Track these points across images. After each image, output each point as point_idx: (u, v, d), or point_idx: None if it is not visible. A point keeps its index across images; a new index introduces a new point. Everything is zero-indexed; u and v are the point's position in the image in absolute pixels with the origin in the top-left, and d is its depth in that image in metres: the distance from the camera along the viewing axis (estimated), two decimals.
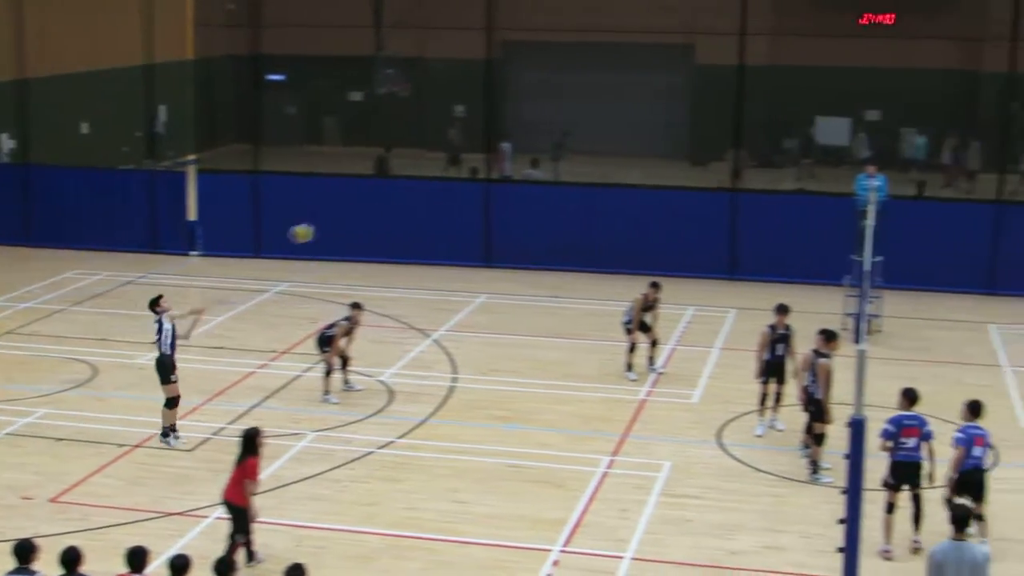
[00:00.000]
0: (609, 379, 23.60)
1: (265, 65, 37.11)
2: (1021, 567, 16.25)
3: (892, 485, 16.54)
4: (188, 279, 31.41)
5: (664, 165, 38.91)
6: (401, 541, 16.69)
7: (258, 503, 15.87)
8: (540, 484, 18.59)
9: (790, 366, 20.56)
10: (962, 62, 40.22)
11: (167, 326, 19.62)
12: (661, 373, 23.87)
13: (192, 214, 33.99)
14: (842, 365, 18.88)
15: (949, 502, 15.50)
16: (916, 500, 16.61)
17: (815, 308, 26.79)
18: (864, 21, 40.49)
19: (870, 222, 22.61)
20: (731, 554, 16.49)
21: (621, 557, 16.32)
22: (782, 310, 20.77)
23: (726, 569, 16.07)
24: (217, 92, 44.14)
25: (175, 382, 19.64)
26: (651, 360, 23.91)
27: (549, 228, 32.05)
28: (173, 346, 19.67)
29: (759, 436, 20.55)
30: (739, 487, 18.66)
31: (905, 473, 16.49)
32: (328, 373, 22.03)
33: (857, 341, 14.42)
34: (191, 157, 42.06)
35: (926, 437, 16.48)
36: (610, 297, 28.90)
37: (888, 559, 16.35)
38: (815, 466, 18.87)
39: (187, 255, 33.56)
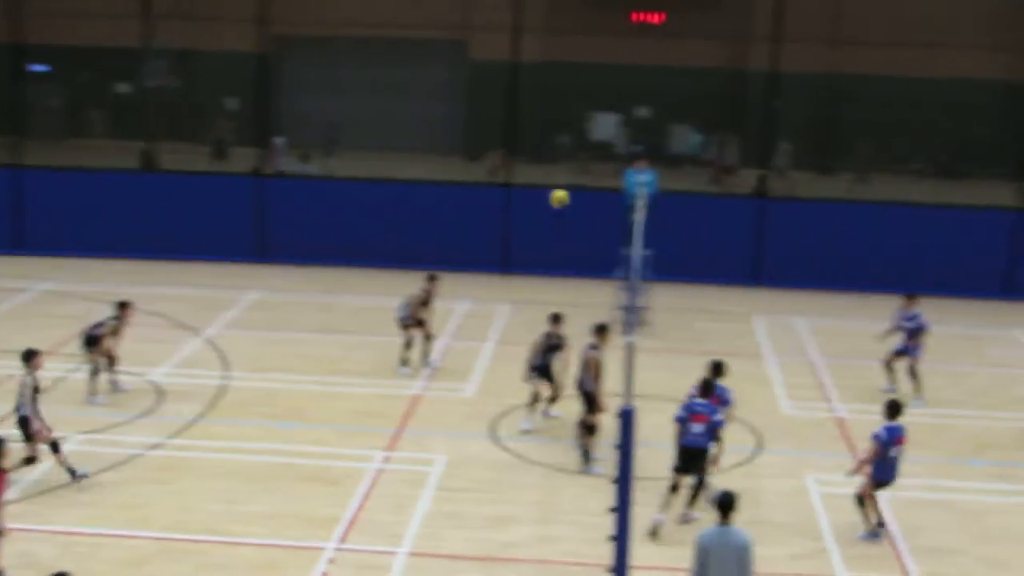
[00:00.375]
0: (383, 374, 23.57)
1: (27, 55, 35.88)
2: (781, 550, 16.77)
3: (679, 468, 17.13)
4: None
5: (439, 160, 38.98)
6: (172, 544, 16.35)
7: (6, 519, 14.86)
8: (313, 482, 18.46)
9: (556, 366, 20.79)
10: (728, 61, 41.28)
11: None
12: (436, 367, 23.93)
13: None
14: (612, 357, 19.21)
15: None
16: (700, 482, 17.26)
17: (587, 301, 27.25)
18: (634, 20, 41.20)
19: (639, 216, 23.04)
20: (505, 546, 16.64)
21: (396, 552, 16.31)
22: (556, 319, 21.01)
23: (501, 561, 16.21)
24: None
25: None
26: (425, 355, 23.96)
27: (323, 223, 31.85)
28: None
29: (526, 431, 20.71)
30: (513, 479, 18.85)
31: (690, 458, 17.08)
32: (95, 374, 21.47)
33: (627, 333, 14.69)
34: None
35: (715, 425, 17.11)
36: (384, 292, 28.86)
37: (657, 527, 16.91)
38: (587, 456, 19.18)
39: None
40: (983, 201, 32.55)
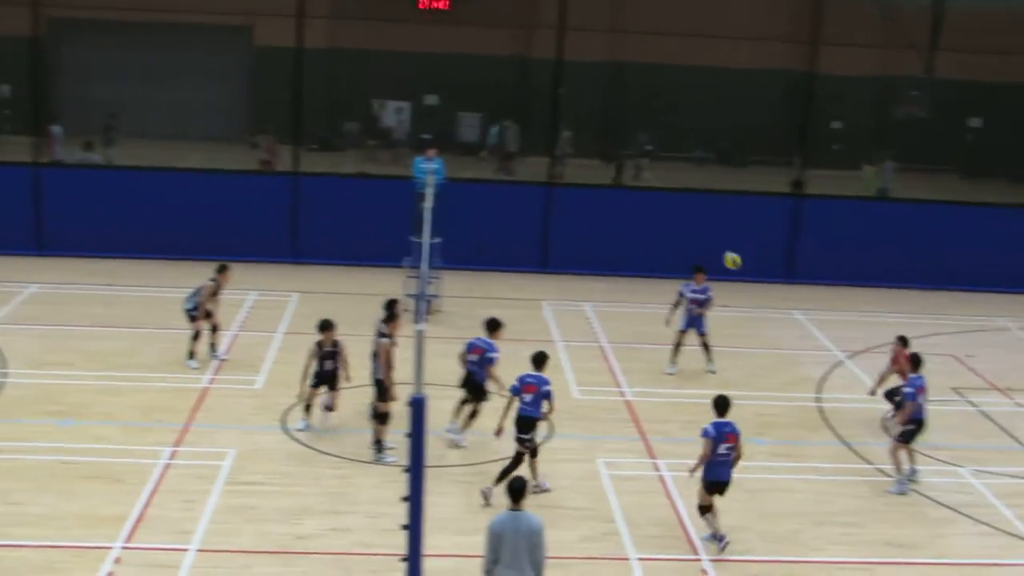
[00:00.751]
0: (170, 368, 23.09)
1: None
2: (572, 533, 17.00)
3: (518, 438, 17.85)
4: None
5: (225, 148, 38.32)
6: None
7: None
8: (97, 480, 17.97)
9: (342, 372, 20.64)
10: (514, 49, 41.53)
11: None
12: (224, 360, 23.56)
13: None
14: (404, 345, 19.19)
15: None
16: (533, 452, 18.00)
17: (377, 290, 27.12)
18: (422, 6, 41.11)
19: (428, 204, 23.05)
20: (298, 538, 16.49)
21: (186, 549, 16.02)
22: (325, 327, 20.62)
23: (293, 554, 16.07)
24: None
25: None
26: (213, 347, 23.57)
27: (104, 214, 31.05)
28: None
29: (300, 431, 20.41)
30: (304, 471, 18.69)
31: (523, 426, 17.79)
32: None
33: (417, 321, 14.66)
34: None
35: (544, 395, 17.88)
36: (169, 284, 28.34)
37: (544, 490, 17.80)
38: (379, 446, 19.12)
39: None
40: (762, 188, 33.50)
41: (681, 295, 24.02)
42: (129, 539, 16.23)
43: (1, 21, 35.59)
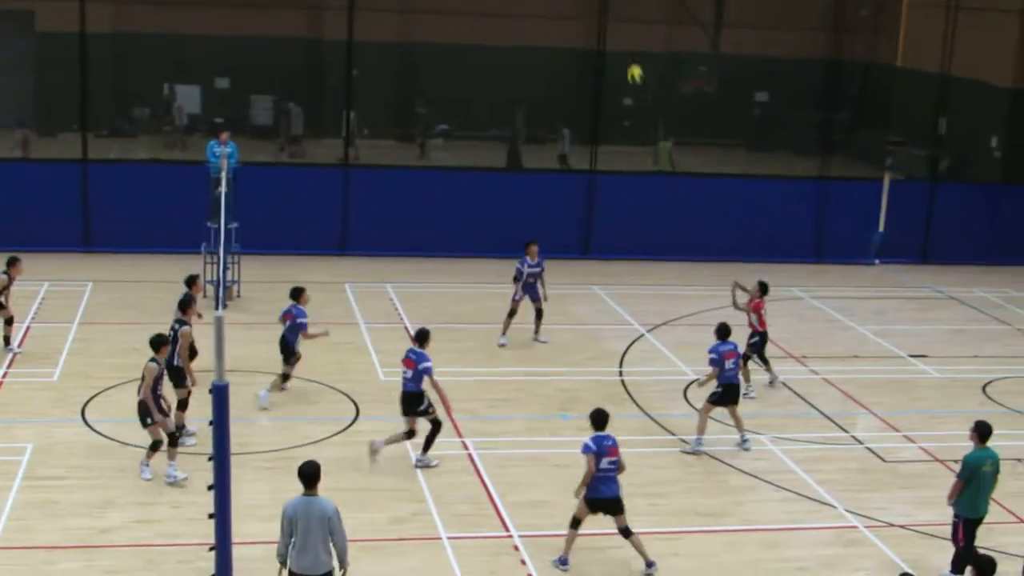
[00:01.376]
0: None
1: None
2: (382, 515, 17.05)
3: (415, 414, 18.63)
4: None
5: (9, 136, 37.20)
6: None
7: None
8: None
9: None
10: (306, 30, 41.20)
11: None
12: (18, 353, 22.93)
13: None
14: (204, 332, 18.96)
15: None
16: (434, 425, 18.60)
17: (174, 277, 26.66)
18: None
19: (224, 189, 22.79)
20: (101, 532, 16.20)
21: None
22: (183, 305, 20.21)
23: (97, 548, 15.77)
24: None
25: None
26: (6, 340, 22.92)
27: None
28: None
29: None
30: (107, 463, 18.33)
31: (405, 401, 18.64)
32: None
33: (217, 307, 14.54)
34: None
35: (424, 372, 18.43)
36: None
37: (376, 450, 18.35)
38: (180, 431, 18.82)
39: None
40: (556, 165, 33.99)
41: (520, 271, 24.54)
42: None
43: None
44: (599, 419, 16.14)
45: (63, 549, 15.72)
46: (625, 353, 24.86)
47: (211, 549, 13.05)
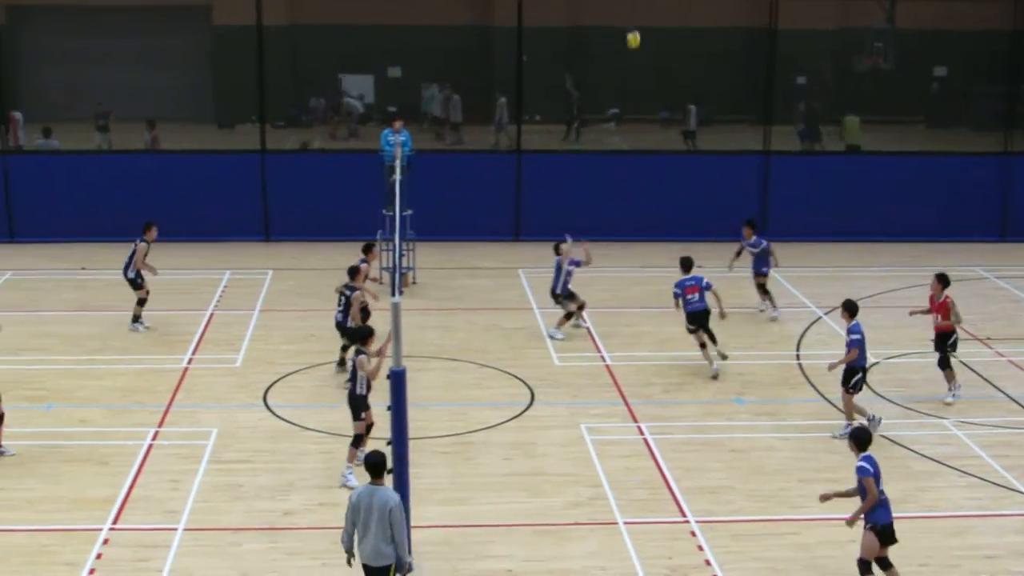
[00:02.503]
0: (146, 349, 23.08)
1: None
2: (559, 499, 17.08)
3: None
4: None
5: (191, 130, 38.12)
6: None
7: None
8: (82, 463, 17.98)
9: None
10: (474, 17, 41.40)
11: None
12: (146, 328, 23.98)
13: None
14: (382, 318, 19.18)
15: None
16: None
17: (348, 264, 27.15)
18: None
19: (398, 176, 23.01)
20: (285, 514, 16.52)
21: (174, 529, 16.05)
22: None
23: (281, 530, 16.09)
24: None
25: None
26: (135, 318, 23.99)
27: (73, 199, 30.90)
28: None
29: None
30: (288, 447, 18.69)
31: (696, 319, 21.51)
32: None
33: (393, 294, 14.67)
34: None
35: (708, 286, 21.81)
36: None
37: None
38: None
39: None
40: (737, 147, 33.67)
41: (743, 246, 25.34)
42: (117, 520, 16.25)
43: None
44: (864, 438, 14.72)
45: (248, 531, 16.09)
46: (802, 336, 24.48)
47: None
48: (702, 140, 36.23)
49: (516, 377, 21.70)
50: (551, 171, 32.20)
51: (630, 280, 28.05)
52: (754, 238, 25.29)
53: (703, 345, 21.98)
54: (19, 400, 20.29)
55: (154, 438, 18.93)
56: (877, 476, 14.34)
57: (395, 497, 13.16)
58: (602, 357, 22.96)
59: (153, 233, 24.20)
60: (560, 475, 17.82)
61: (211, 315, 25.24)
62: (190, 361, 22.53)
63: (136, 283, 23.85)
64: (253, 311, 25.59)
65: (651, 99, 40.12)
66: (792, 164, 32.80)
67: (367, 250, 22.45)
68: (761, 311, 25.45)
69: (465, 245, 30.77)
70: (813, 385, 21.66)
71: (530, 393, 21.04)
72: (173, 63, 42.44)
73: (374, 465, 13.18)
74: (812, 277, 28.86)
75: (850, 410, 19.38)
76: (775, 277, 26.56)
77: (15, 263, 28.90)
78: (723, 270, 25.33)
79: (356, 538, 13.19)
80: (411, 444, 13.23)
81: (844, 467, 18.23)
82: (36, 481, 17.34)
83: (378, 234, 26.99)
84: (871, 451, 14.63)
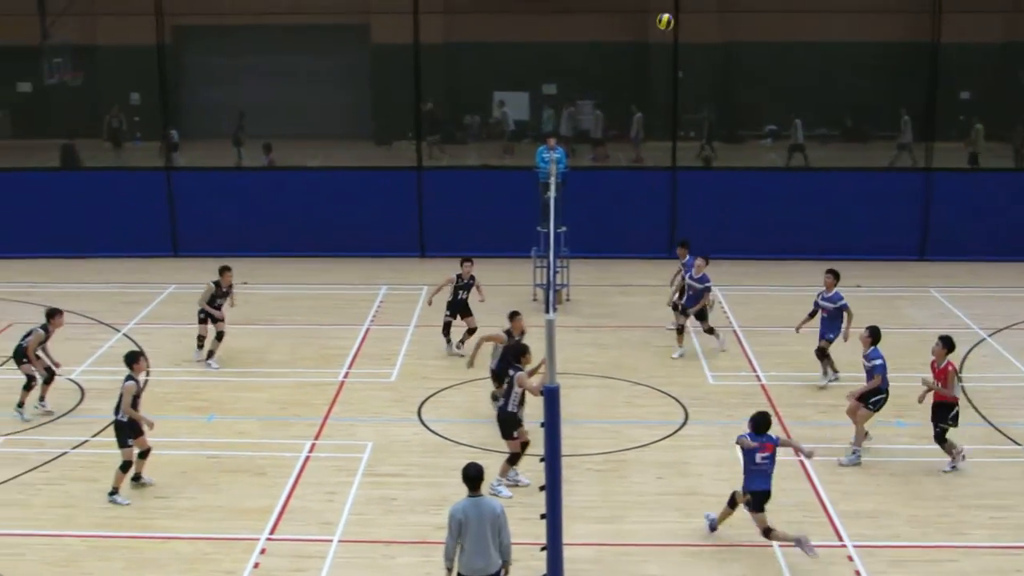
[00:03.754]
0: (303, 363, 23.46)
1: None
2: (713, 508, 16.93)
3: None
4: None
5: (348, 146, 38.73)
6: (102, 542, 16.22)
7: None
8: (241, 473, 18.34)
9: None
10: (629, 34, 41.37)
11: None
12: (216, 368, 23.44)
13: None
14: (534, 336, 19.24)
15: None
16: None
17: (504, 280, 27.28)
18: None
19: (553, 193, 23.07)
20: (438, 529, 16.57)
21: (329, 540, 16.28)
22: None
23: (434, 544, 16.16)
24: None
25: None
26: (211, 354, 23.47)
27: (236, 215, 31.64)
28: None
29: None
30: (441, 462, 18.81)
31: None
32: (27, 387, 20.52)
33: (547, 311, 14.71)
34: None
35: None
36: (300, 281, 28.98)
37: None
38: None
39: None
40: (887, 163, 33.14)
41: (816, 305, 22.53)
42: (274, 530, 16.54)
43: (129, 31, 36.37)
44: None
45: (401, 544, 16.24)
46: (965, 358, 23.87)
47: (543, 549, 13.23)
48: (855, 156, 35.68)
49: (669, 395, 21.58)
50: (706, 187, 31.98)
51: (788, 299, 27.68)
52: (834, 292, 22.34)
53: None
54: (183, 411, 20.82)
55: (311, 450, 19.23)
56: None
57: (500, 504, 13.48)
58: (757, 376, 22.71)
59: (228, 278, 23.53)
60: (714, 495, 17.63)
61: (367, 330, 25.58)
62: (346, 375, 22.84)
63: (201, 318, 23.46)
64: (408, 326, 25.86)
65: (807, 114, 39.65)
66: (954, 181, 32.08)
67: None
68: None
69: (619, 262, 30.72)
70: (976, 409, 21.12)
71: (684, 412, 20.91)
72: (332, 81, 43.21)
73: (473, 478, 13.44)
74: (975, 297, 28.18)
75: (860, 433, 18.94)
76: (936, 297, 26.01)
77: (178, 277, 29.60)
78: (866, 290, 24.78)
79: (458, 552, 13.32)
80: (564, 461, 13.20)
81: (1010, 493, 17.82)
82: (197, 490, 17.73)
83: (532, 251, 27.11)
84: None
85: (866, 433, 19.10)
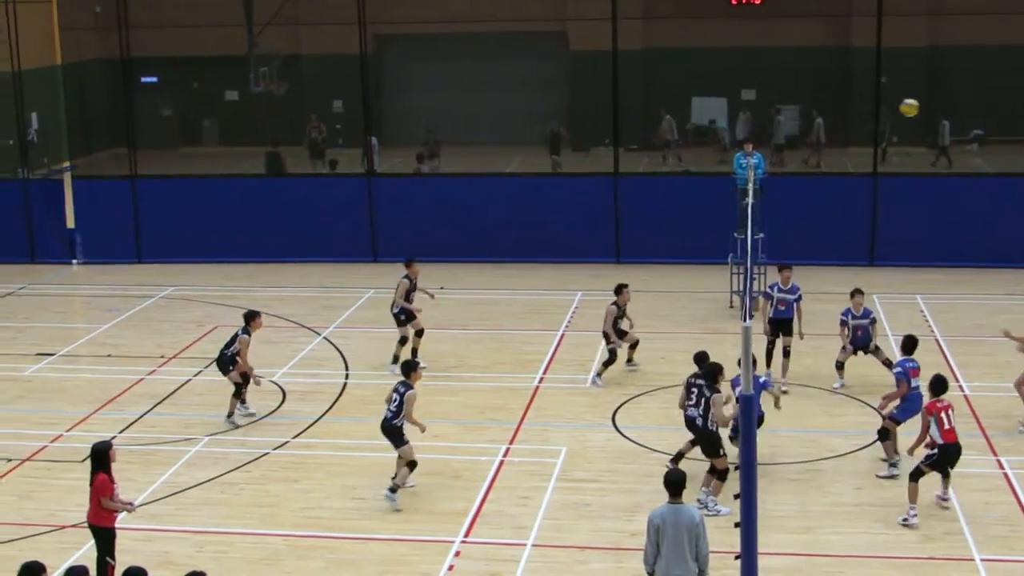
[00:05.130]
0: (499, 368, 23.68)
1: (137, 68, 36.49)
2: (914, 533, 16.54)
3: None
4: (71, 288, 31.00)
5: (545, 153, 38.96)
6: (302, 541, 16.61)
7: (121, 506, 15.09)
8: (438, 476, 18.59)
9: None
10: (831, 38, 40.79)
11: None
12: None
13: (71, 222, 33.48)
14: (730, 343, 19.10)
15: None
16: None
17: (701, 288, 27.13)
18: (734, 2, 40.86)
19: (750, 200, 22.85)
20: (631, 535, 16.61)
21: (523, 544, 16.40)
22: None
23: (627, 551, 16.19)
24: (89, 97, 43.34)
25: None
26: (395, 358, 23.40)
27: (432, 220, 32.07)
28: None
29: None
30: (635, 468, 18.80)
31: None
32: (236, 395, 21.01)
33: (744, 318, 14.59)
34: (66, 164, 41.28)
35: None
36: (497, 287, 29.28)
37: None
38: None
39: (68, 264, 33.06)
40: None
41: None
42: (468, 533, 16.73)
43: (333, 40, 37.23)
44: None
45: (594, 550, 16.27)
46: None
47: (736, 558, 13.11)
48: None
49: (868, 404, 21.17)
50: (912, 194, 31.27)
51: (994, 308, 26.96)
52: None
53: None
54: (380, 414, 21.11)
55: (505, 454, 19.40)
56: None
57: (699, 512, 13.36)
58: (960, 387, 22.10)
59: (416, 270, 23.84)
60: (919, 507, 17.27)
61: (562, 335, 25.69)
62: (541, 380, 22.98)
63: (399, 320, 23.78)
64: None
65: (1019, 119, 38.56)
66: None
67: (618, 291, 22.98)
68: None
69: (816, 269, 30.22)
70: None
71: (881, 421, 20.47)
72: (529, 88, 43.53)
73: (675, 484, 13.37)
74: None
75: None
76: None
77: (377, 282, 30.11)
78: None
79: (659, 560, 13.23)
80: (759, 470, 13.08)
81: None
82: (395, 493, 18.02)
83: (729, 257, 26.90)
84: None
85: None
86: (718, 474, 17.38)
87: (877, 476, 18.39)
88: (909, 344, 18.94)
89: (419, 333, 23.67)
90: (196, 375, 23.30)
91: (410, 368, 18.05)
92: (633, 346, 23.32)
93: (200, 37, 40.03)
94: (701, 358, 18.36)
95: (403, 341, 23.59)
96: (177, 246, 32.52)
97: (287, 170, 37.15)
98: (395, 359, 23.26)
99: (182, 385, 22.92)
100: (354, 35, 33.51)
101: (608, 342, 22.68)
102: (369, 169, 33.83)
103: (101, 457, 14.83)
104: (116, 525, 14.96)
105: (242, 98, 45.29)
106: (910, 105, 22.07)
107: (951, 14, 37.08)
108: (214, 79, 45.68)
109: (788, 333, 22.26)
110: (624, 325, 23.09)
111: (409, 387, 17.74)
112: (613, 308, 22.78)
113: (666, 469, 15.60)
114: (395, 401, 17.67)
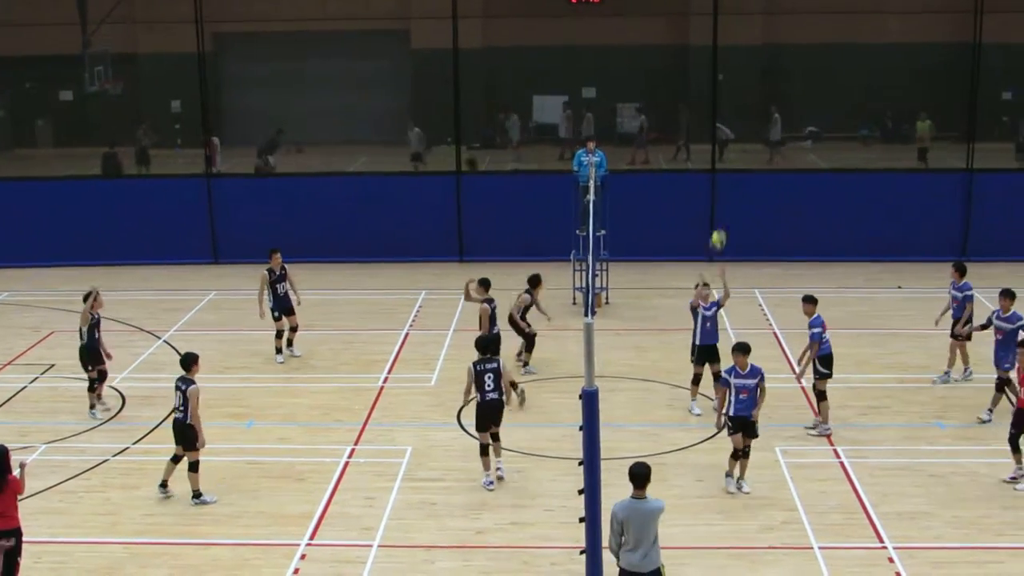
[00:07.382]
0: (344, 368, 23.53)
1: None
2: (753, 523, 16.84)
3: None
4: None
5: (388, 152, 38.80)
6: (144, 548, 16.32)
7: None
8: (281, 479, 18.42)
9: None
10: (670, 37, 41.26)
11: None
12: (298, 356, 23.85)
13: None
14: (574, 338, 19.25)
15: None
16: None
17: (545, 285, 27.23)
18: (574, 0, 41.13)
19: (592, 197, 23.04)
20: (477, 533, 16.65)
21: (369, 545, 16.32)
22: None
23: (473, 548, 16.22)
24: None
25: None
26: (278, 350, 24.01)
27: (274, 221, 31.70)
28: None
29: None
30: (481, 466, 18.79)
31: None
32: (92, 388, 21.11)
33: (586, 314, 14.70)
34: None
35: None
36: (336, 286, 29.20)
37: None
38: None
39: None
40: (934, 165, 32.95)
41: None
42: (314, 536, 16.60)
43: (171, 39, 36.61)
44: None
45: (441, 549, 16.25)
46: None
47: (582, 552, 13.23)
48: (901, 157, 35.50)
49: (709, 398, 21.47)
50: (746, 190, 31.88)
51: (827, 301, 27.47)
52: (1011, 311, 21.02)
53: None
54: (223, 417, 20.91)
55: (350, 455, 19.29)
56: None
57: (662, 502, 13.51)
58: (797, 379, 22.51)
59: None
60: (754, 498, 17.59)
61: (406, 335, 25.63)
62: (386, 380, 22.89)
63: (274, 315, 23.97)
64: (448, 331, 25.89)
65: (847, 116, 39.44)
66: (1000, 182, 31.87)
67: (534, 283, 23.15)
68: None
69: (658, 265, 30.64)
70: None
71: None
72: (372, 86, 43.29)
73: (641, 476, 13.36)
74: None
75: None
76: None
77: (218, 284, 29.74)
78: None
79: (623, 550, 13.24)
80: (603, 464, 13.18)
81: None
82: (238, 496, 17.81)
83: (571, 254, 27.08)
84: None
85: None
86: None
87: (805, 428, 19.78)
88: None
89: (293, 329, 24.03)
90: (32, 382, 22.74)
91: (190, 361, 17.86)
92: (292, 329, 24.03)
93: (32, 36, 39.05)
94: (486, 343, 18.66)
95: (283, 332, 23.99)
96: (11, 250, 31.69)
97: (124, 171, 36.40)
98: (277, 350, 23.90)
99: (18, 392, 22.33)
100: (192, 33, 33.00)
101: (518, 330, 22.77)
102: (207, 170, 33.32)
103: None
104: None
105: (77, 98, 44.26)
106: (717, 238, 22.79)
107: (787, 13, 37.76)
108: (47, 79, 44.55)
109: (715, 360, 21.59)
110: (541, 319, 23.27)
111: (190, 382, 17.55)
112: (526, 296, 23.02)
113: None
114: (179, 399, 17.53)
